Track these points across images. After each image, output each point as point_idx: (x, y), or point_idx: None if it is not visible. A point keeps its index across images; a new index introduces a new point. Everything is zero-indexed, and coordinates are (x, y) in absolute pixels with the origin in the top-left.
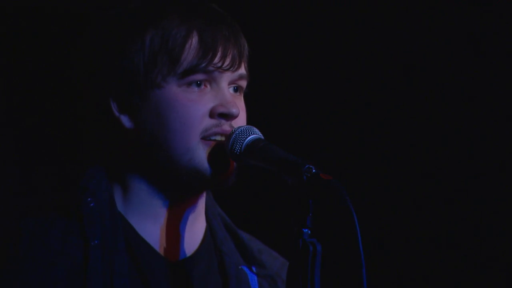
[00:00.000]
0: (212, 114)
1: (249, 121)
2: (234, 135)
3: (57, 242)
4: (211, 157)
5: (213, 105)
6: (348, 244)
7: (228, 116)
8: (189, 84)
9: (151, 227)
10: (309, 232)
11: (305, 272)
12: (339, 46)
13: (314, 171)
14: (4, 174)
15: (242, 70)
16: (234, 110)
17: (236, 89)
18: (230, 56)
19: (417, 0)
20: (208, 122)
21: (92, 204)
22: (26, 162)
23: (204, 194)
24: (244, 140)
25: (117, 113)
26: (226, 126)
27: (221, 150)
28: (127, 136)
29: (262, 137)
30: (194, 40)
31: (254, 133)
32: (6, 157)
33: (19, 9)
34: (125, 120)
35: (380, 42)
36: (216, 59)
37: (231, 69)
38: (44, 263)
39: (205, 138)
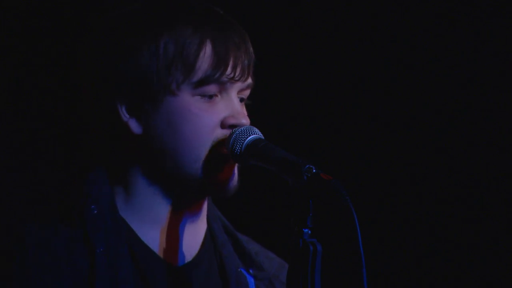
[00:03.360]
0: (223, 125)
1: (250, 121)
2: (235, 135)
3: (62, 249)
4: (216, 165)
5: (224, 115)
6: (348, 244)
7: (238, 127)
8: (203, 94)
9: (154, 232)
10: (310, 232)
11: (305, 272)
12: (338, 46)
13: (314, 171)
14: (6, 179)
15: (250, 80)
16: (244, 121)
17: (241, 99)
18: (241, 65)
19: (417, 0)
20: (219, 132)
21: (95, 211)
22: (29, 166)
23: (207, 199)
24: (245, 140)
25: (125, 118)
26: None
27: (222, 154)
28: (134, 141)
29: (263, 137)
30: (207, 49)
31: (254, 133)
32: (8, 161)
33: (26, 7)
34: (134, 125)
35: (380, 42)
36: (229, 70)
37: (242, 79)
38: (52, 271)
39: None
